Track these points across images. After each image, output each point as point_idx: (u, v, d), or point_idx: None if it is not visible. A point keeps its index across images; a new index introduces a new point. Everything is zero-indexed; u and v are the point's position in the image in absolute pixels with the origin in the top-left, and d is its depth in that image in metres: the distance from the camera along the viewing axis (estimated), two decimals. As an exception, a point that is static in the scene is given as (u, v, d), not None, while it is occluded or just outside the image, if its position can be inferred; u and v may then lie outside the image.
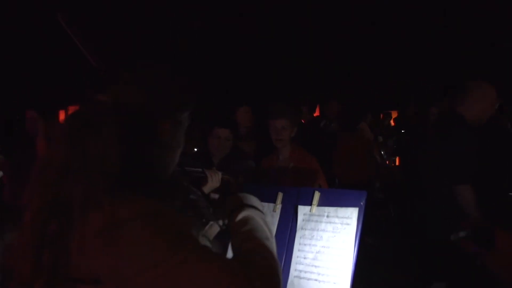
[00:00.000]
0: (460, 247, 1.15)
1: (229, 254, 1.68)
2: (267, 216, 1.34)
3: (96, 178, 0.94)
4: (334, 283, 1.74)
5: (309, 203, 1.90)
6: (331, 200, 1.87)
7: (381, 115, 9.00)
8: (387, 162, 6.47)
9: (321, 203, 1.88)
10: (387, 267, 4.42)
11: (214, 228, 1.61)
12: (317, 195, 1.89)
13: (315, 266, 1.80)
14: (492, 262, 1.11)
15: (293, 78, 9.39)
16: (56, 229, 0.92)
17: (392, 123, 8.91)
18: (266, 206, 2.03)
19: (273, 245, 1.20)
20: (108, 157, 0.96)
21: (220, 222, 1.56)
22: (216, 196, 1.79)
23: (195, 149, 3.70)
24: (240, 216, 1.25)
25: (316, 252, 1.82)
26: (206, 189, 2.13)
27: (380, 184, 6.02)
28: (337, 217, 1.82)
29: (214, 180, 2.16)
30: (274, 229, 1.95)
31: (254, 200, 1.35)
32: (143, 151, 1.06)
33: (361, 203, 1.79)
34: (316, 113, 7.13)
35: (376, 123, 7.82)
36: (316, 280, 1.78)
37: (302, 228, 1.89)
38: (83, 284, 0.91)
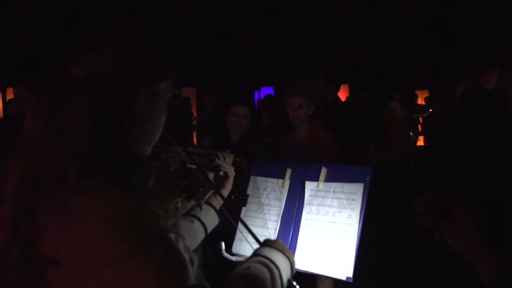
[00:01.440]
0: (419, 223, 1.14)
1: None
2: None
3: (64, 154, 0.93)
4: (339, 257, 1.75)
5: (316, 178, 1.91)
6: (338, 176, 1.87)
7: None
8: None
9: (328, 179, 1.89)
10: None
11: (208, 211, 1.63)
12: (324, 171, 1.90)
13: (321, 241, 1.81)
14: (448, 235, 1.10)
15: (323, 57, 9.28)
16: (30, 203, 0.92)
17: (422, 102, 8.73)
18: (275, 182, 2.05)
19: None
20: (77, 132, 0.94)
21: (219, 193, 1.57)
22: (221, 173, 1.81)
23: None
24: (257, 260, 1.18)
25: (322, 227, 1.83)
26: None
27: (415, 162, 5.95)
28: (343, 192, 1.82)
29: (226, 160, 2.17)
30: (282, 204, 1.97)
31: (275, 257, 1.23)
32: (116, 124, 1.01)
33: (367, 179, 1.78)
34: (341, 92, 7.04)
35: (407, 102, 7.69)
36: (321, 254, 1.79)
37: (309, 204, 1.90)
38: (48, 262, 0.90)
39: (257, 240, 1.31)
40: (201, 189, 1.59)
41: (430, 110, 6.86)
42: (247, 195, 2.07)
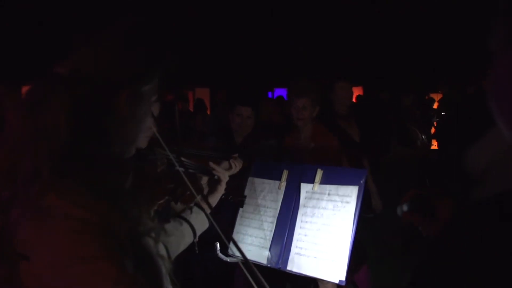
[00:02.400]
0: (404, 221, 1.12)
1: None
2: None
3: (41, 151, 0.93)
4: (333, 260, 1.74)
5: (312, 181, 1.90)
6: (333, 178, 1.86)
7: (426, 97, 8.74)
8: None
9: (324, 181, 1.87)
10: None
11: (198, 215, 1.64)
12: (319, 173, 1.89)
13: (315, 244, 1.80)
14: (433, 231, 1.07)
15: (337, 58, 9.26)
16: (6, 198, 0.93)
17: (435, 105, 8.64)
18: (272, 184, 2.04)
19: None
20: (55, 130, 0.94)
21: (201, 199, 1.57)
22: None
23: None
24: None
25: (316, 230, 1.82)
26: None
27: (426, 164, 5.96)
28: (338, 195, 1.81)
29: (235, 168, 2.16)
30: (278, 206, 1.97)
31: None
32: (95, 123, 1.00)
33: (361, 182, 1.77)
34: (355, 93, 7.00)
35: (420, 105, 7.62)
36: (315, 257, 1.78)
37: (304, 206, 1.89)
38: (20, 258, 0.91)
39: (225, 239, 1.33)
40: (188, 192, 1.59)
41: (443, 113, 6.79)
42: (245, 196, 2.07)
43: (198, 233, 1.59)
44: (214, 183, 1.74)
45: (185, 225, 1.56)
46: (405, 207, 1.10)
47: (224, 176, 1.77)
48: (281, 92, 10.86)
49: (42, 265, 0.89)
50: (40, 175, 0.91)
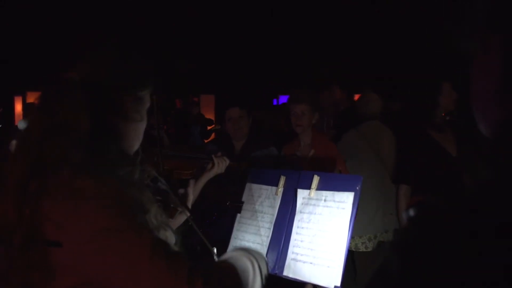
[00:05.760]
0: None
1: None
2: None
3: (67, 141, 1.04)
4: (328, 266, 1.74)
5: (308, 187, 1.91)
6: (329, 184, 1.87)
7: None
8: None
9: (320, 187, 1.88)
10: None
11: (181, 217, 1.70)
12: (316, 179, 1.90)
13: (311, 250, 1.81)
14: None
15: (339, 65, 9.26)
16: (35, 188, 1.01)
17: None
18: (269, 190, 2.05)
19: (242, 277, 1.15)
20: (77, 127, 1.06)
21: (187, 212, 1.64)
22: (182, 191, 1.88)
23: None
24: (229, 254, 1.26)
25: (313, 236, 1.83)
26: (211, 174, 2.19)
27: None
28: (334, 201, 1.82)
29: (220, 166, 2.21)
30: (275, 212, 1.98)
31: (254, 257, 1.27)
32: (109, 123, 1.15)
33: (357, 188, 1.77)
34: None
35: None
36: (311, 263, 1.79)
37: (300, 212, 1.90)
38: (50, 245, 0.99)
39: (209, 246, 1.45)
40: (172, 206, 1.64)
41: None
42: (242, 202, 2.09)
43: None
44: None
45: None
46: (411, 212, 1.12)
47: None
48: (285, 99, 10.88)
49: (79, 245, 0.97)
50: (68, 164, 1.01)
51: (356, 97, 5.74)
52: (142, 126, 1.25)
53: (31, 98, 9.17)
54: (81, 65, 1.16)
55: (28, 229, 1.00)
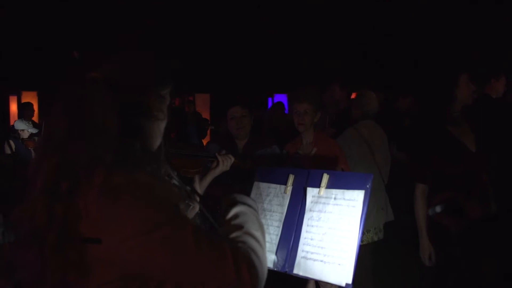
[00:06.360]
0: (436, 221, 1.16)
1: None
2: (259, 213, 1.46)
3: (97, 142, 1.05)
4: (339, 264, 1.75)
5: (318, 185, 1.92)
6: (339, 182, 1.88)
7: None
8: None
9: (329, 186, 1.89)
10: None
11: (193, 210, 1.73)
12: (325, 177, 1.90)
13: (321, 248, 1.82)
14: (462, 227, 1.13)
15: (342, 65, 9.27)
16: (67, 189, 1.02)
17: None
18: (278, 188, 2.06)
19: (262, 237, 1.27)
20: (107, 126, 1.07)
21: (198, 206, 1.66)
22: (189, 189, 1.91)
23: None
24: (233, 211, 1.35)
25: (323, 234, 1.83)
26: (216, 172, 2.20)
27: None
28: (344, 199, 1.83)
29: (225, 164, 2.22)
30: (284, 210, 1.99)
31: (247, 199, 1.46)
32: (135, 122, 1.16)
33: (367, 186, 1.79)
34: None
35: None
36: (321, 261, 1.80)
37: (310, 210, 1.91)
38: (87, 242, 1.00)
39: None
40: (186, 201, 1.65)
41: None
42: None
43: None
44: None
45: None
46: (438, 209, 1.14)
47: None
48: (280, 98, 10.91)
49: (120, 241, 0.99)
50: (102, 161, 1.03)
51: (353, 95, 5.74)
52: (163, 124, 1.27)
53: (26, 97, 9.13)
54: (106, 65, 1.17)
55: (62, 228, 1.01)
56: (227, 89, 9.20)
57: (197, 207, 1.69)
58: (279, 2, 9.05)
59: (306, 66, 9.57)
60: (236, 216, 1.32)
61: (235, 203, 1.39)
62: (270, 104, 11.43)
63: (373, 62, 9.04)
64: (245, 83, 10.04)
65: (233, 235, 1.22)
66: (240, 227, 1.25)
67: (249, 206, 1.40)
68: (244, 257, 1.09)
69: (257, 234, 1.25)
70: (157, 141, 1.26)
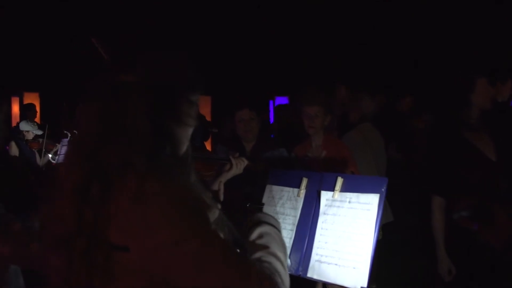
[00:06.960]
0: (462, 225, 1.16)
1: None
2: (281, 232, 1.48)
3: (129, 147, 1.04)
4: (354, 268, 1.75)
5: (332, 188, 1.92)
6: (353, 186, 1.88)
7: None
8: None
9: (344, 189, 1.90)
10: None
11: (213, 215, 1.73)
12: (340, 181, 1.91)
13: (336, 251, 1.82)
14: (492, 237, 1.12)
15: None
16: (98, 193, 1.01)
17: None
18: (291, 191, 2.06)
19: (285, 258, 1.28)
20: (140, 130, 1.06)
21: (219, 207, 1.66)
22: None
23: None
24: (257, 231, 1.35)
25: (337, 237, 1.83)
26: (229, 175, 2.20)
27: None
28: (359, 203, 1.83)
29: (239, 167, 2.22)
30: (297, 213, 1.99)
31: (270, 218, 1.47)
32: (166, 127, 1.15)
33: (382, 190, 1.79)
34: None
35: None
36: (336, 264, 1.80)
37: (324, 213, 1.91)
38: (114, 249, 1.00)
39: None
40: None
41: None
42: (263, 204, 2.09)
43: None
44: None
45: None
46: (464, 213, 1.13)
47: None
48: (281, 100, 10.90)
49: (148, 250, 0.98)
50: (133, 168, 1.01)
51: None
52: (191, 130, 1.26)
53: (28, 99, 9.12)
54: (139, 69, 1.15)
55: (92, 233, 1.00)
56: (228, 91, 9.19)
57: (216, 213, 1.69)
58: (279, 2, 9.04)
59: (306, 66, 9.56)
60: (260, 236, 1.33)
61: (259, 223, 1.40)
62: (271, 106, 11.42)
63: (373, 62, 9.04)
64: (246, 85, 10.03)
65: (258, 254, 1.22)
66: (265, 247, 1.27)
67: (273, 226, 1.42)
68: (267, 278, 1.10)
69: (281, 255, 1.26)
70: (184, 146, 1.25)
